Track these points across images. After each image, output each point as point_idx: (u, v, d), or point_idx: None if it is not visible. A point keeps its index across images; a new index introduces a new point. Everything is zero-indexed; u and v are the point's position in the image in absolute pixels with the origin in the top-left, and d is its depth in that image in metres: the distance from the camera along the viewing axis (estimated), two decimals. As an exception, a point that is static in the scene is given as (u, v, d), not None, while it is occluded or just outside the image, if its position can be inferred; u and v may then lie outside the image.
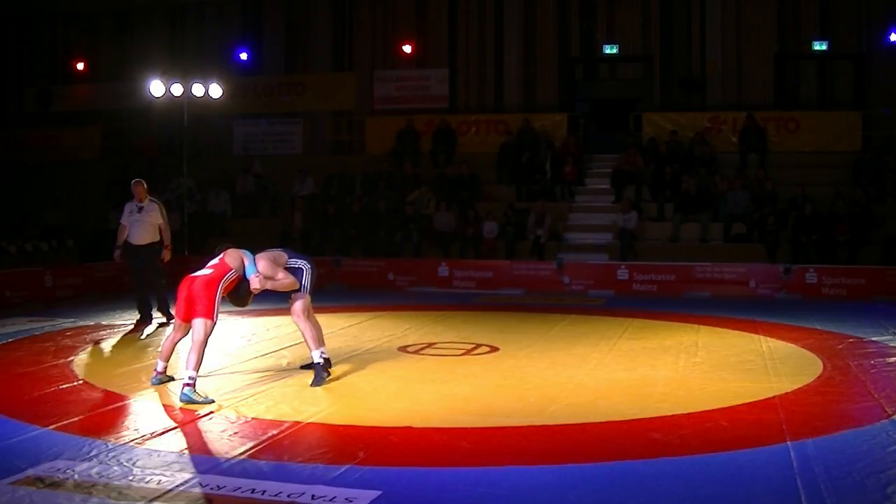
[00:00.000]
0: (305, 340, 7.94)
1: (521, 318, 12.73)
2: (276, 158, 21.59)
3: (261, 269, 7.57)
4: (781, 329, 11.19)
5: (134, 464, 5.43)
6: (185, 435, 6.28)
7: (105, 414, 6.79)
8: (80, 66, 23.84)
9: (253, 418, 6.59)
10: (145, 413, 6.85)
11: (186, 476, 5.21)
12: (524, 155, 19.44)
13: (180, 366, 7.51)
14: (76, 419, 6.56)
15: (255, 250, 7.84)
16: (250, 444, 5.88)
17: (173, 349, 7.73)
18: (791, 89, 20.43)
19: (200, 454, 5.85)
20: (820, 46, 19.83)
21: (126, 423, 6.55)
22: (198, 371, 7.11)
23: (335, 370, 8.35)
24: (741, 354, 9.43)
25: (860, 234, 16.31)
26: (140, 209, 11.52)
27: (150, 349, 9.71)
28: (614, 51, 20.86)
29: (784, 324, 11.67)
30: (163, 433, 6.21)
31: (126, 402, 7.18)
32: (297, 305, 7.97)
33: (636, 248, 17.06)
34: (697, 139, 19.08)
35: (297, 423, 6.43)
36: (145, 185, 11.67)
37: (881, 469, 5.38)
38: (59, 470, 5.29)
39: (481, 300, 14.88)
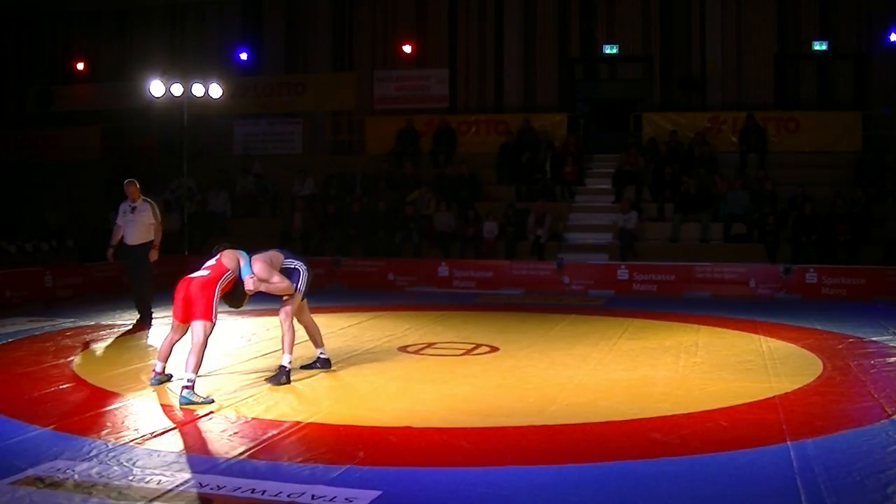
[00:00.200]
0: (282, 343, 7.91)
1: (521, 318, 12.73)
2: (276, 158, 21.58)
3: (256, 271, 7.56)
4: (781, 329, 11.19)
5: (134, 464, 5.43)
6: (185, 435, 6.29)
7: (105, 414, 6.79)
8: (80, 66, 23.84)
9: (253, 418, 6.59)
10: (145, 413, 6.85)
11: (186, 476, 5.22)
12: (524, 155, 19.44)
13: (180, 367, 7.50)
14: (76, 419, 6.56)
15: (254, 250, 7.85)
16: (250, 445, 5.88)
17: (171, 350, 7.72)
18: (791, 89, 20.43)
19: (200, 454, 5.85)
20: (820, 46, 19.82)
21: (126, 423, 6.55)
22: (197, 373, 7.11)
23: (335, 370, 8.36)
24: (741, 354, 9.43)
25: (860, 234, 16.30)
26: (133, 209, 11.50)
27: (150, 349, 9.71)
28: (614, 51, 20.85)
29: (784, 324, 11.67)
30: (163, 433, 6.21)
31: (126, 402, 7.18)
32: (287, 306, 7.97)
33: (636, 248, 17.05)
34: (697, 139, 19.07)
35: (297, 423, 6.43)
36: (138, 185, 11.64)
37: (881, 469, 5.38)
38: (59, 470, 5.29)
39: (481, 300, 14.88)
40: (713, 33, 20.28)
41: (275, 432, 6.18)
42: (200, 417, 6.63)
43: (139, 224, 11.49)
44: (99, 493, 4.90)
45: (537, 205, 17.97)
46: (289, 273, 7.90)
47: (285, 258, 8.03)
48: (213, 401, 6.99)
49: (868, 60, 19.77)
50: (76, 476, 5.18)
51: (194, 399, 6.93)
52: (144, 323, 11.53)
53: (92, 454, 5.63)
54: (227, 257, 7.52)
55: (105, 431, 6.22)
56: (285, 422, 6.44)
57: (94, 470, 5.29)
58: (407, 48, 21.67)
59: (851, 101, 19.82)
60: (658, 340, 10.32)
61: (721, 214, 17.44)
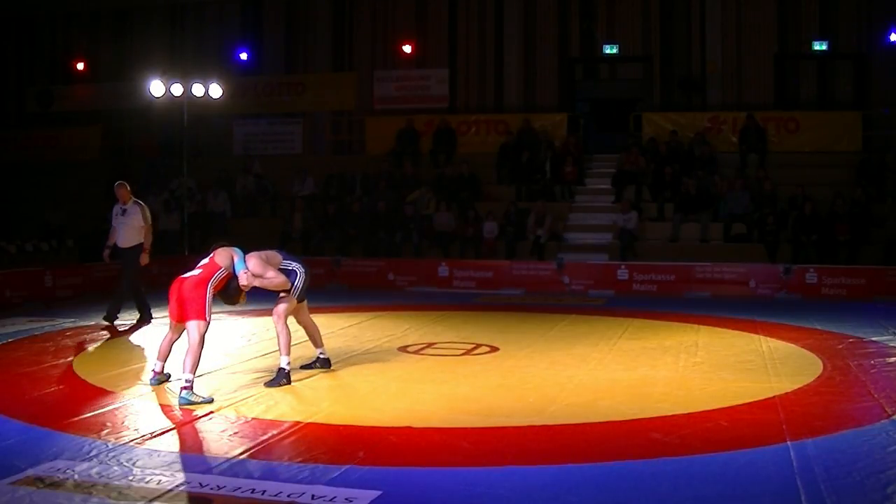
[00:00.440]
0: (279, 345, 7.89)
1: (521, 318, 12.73)
2: (276, 158, 21.59)
3: (251, 266, 7.53)
4: (781, 329, 11.19)
5: (134, 464, 5.43)
6: (185, 435, 6.29)
7: (105, 414, 6.78)
8: (80, 66, 23.83)
9: (253, 418, 6.58)
10: (145, 413, 6.85)
11: (186, 476, 5.22)
12: (524, 155, 19.44)
13: (178, 367, 7.50)
14: (76, 419, 6.56)
15: (254, 251, 7.84)
16: (250, 445, 5.88)
17: (170, 349, 7.71)
18: (791, 89, 20.42)
19: (200, 454, 5.86)
20: (820, 46, 19.82)
21: (126, 423, 6.54)
22: (194, 373, 7.11)
23: (335, 370, 8.37)
24: (741, 354, 9.43)
25: (860, 234, 16.31)
26: (124, 212, 11.48)
27: (150, 350, 9.70)
28: (614, 51, 20.85)
29: (784, 324, 11.67)
30: (163, 433, 6.21)
31: (126, 402, 7.18)
32: (280, 307, 7.95)
33: (636, 248, 17.06)
34: (697, 139, 19.07)
35: (297, 423, 6.43)
36: (128, 188, 11.60)
37: (881, 469, 5.38)
38: (59, 470, 5.29)
39: (481, 300, 14.88)
40: (713, 33, 20.28)
41: (274, 432, 6.18)
42: (200, 417, 6.63)
43: (129, 226, 11.45)
44: (99, 493, 4.90)
45: (537, 205, 17.98)
46: (285, 274, 7.88)
47: (283, 259, 8.02)
48: (212, 400, 6.99)
49: (868, 60, 19.77)
50: (76, 476, 5.18)
51: (193, 399, 6.93)
52: (145, 322, 11.52)
53: (92, 454, 5.63)
54: (221, 255, 7.49)
55: (105, 431, 6.22)
56: (285, 422, 6.44)
57: (94, 470, 5.29)
58: (407, 48, 21.66)
59: (851, 101, 19.83)
60: (658, 340, 10.32)
61: (721, 214, 17.45)
